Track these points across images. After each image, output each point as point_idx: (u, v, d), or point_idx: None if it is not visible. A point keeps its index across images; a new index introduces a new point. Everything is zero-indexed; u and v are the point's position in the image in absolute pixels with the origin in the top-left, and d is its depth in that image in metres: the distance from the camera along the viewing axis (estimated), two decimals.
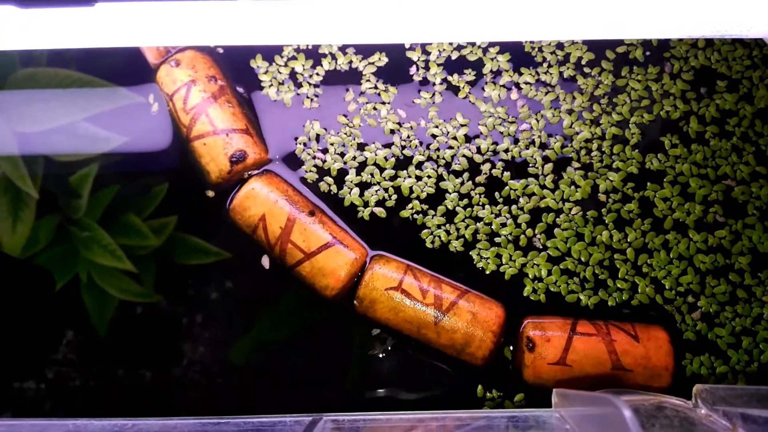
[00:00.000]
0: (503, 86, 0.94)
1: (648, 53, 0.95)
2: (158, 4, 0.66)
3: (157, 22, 0.69)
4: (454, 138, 0.93)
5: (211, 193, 0.92)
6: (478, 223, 0.91)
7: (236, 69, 0.94)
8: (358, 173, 0.92)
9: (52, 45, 0.70)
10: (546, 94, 0.94)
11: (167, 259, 0.91)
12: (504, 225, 0.91)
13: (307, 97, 0.94)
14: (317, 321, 0.90)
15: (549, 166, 0.92)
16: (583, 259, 0.90)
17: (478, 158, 0.92)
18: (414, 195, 0.92)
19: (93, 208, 0.92)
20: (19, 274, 0.91)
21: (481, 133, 0.93)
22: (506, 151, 0.93)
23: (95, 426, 0.66)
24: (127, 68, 0.94)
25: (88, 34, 0.70)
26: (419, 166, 0.92)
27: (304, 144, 0.93)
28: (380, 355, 0.89)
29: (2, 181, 0.92)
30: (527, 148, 0.93)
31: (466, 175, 0.92)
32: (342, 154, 0.93)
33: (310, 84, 0.94)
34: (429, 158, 0.93)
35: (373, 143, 0.93)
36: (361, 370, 0.89)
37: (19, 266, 0.91)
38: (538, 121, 0.93)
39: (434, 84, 0.94)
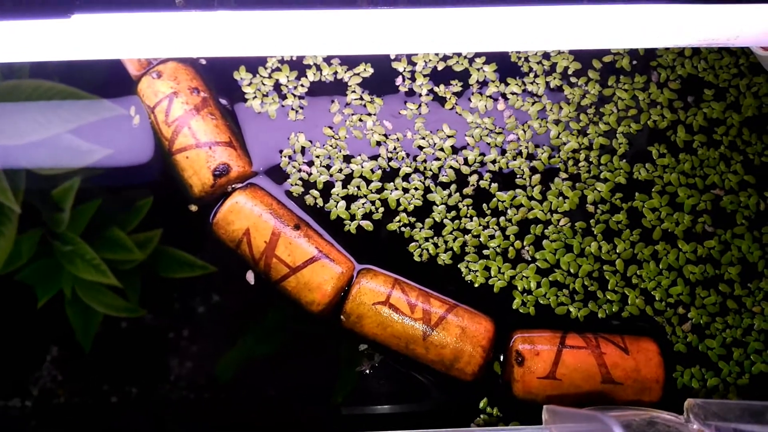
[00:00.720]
0: (490, 97, 0.93)
1: (635, 62, 0.95)
2: (137, 15, 0.65)
3: (137, 33, 0.68)
4: (441, 149, 0.92)
5: (194, 207, 0.90)
6: (466, 236, 0.90)
7: (219, 81, 0.93)
8: (344, 186, 0.91)
9: (30, 58, 0.69)
10: (533, 104, 0.93)
11: (152, 273, 0.89)
12: (492, 237, 0.90)
13: (292, 109, 0.92)
14: (303, 336, 0.88)
15: (536, 177, 0.91)
16: (572, 270, 0.89)
17: (465, 170, 0.91)
18: (401, 207, 0.91)
19: (76, 222, 0.90)
20: (1, 291, 0.89)
21: (468, 144, 0.92)
22: (494, 162, 0.92)
23: None
24: (108, 80, 0.93)
25: (65, 46, 0.69)
26: (406, 178, 0.91)
27: (289, 157, 0.92)
28: (367, 372, 0.87)
29: None
30: (514, 159, 0.92)
31: (453, 186, 0.91)
32: (328, 167, 0.91)
33: (294, 96, 0.93)
34: (416, 170, 0.91)
35: (359, 155, 0.92)
36: (347, 387, 0.87)
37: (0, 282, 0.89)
38: (525, 131, 0.92)
39: (420, 95, 0.93)
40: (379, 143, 0.92)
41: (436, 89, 0.94)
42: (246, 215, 0.87)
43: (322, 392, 0.87)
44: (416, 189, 0.91)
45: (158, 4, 0.63)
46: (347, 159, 0.92)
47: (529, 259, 0.90)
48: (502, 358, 0.87)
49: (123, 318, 0.89)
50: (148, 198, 0.91)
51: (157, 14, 0.65)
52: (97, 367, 0.88)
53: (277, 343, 0.88)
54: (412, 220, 0.90)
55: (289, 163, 0.91)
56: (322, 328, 0.88)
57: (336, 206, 0.90)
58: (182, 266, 0.90)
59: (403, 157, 0.92)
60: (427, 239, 0.90)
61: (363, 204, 0.91)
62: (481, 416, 0.85)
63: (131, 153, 0.92)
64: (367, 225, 0.90)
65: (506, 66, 0.94)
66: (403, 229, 0.90)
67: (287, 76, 0.93)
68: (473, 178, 0.91)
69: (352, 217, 0.90)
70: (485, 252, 0.90)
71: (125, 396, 0.87)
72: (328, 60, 0.94)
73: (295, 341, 0.89)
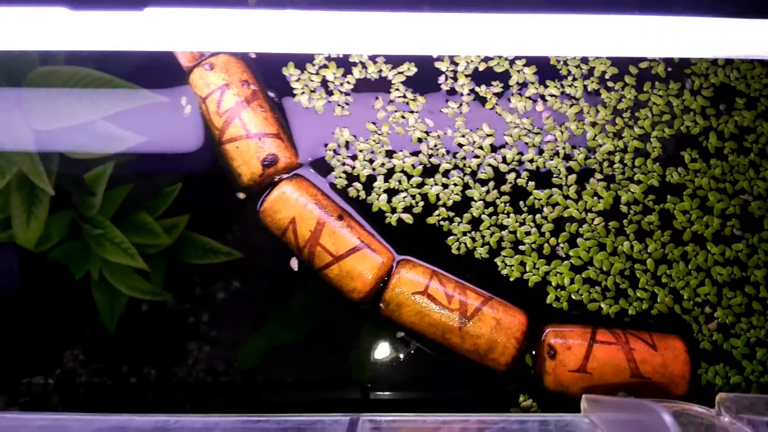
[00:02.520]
0: (529, 98, 0.96)
1: (669, 69, 0.98)
2: (200, 10, 0.68)
3: (199, 28, 0.71)
4: (480, 147, 0.95)
5: (241, 195, 0.93)
6: (502, 231, 0.93)
7: (268, 74, 0.96)
8: (386, 180, 0.94)
9: (99, 47, 0.72)
10: (570, 106, 0.96)
11: (176, 258, 0.92)
12: (528, 233, 0.93)
13: (338, 105, 0.96)
14: (332, 321, 0.91)
15: (572, 177, 0.94)
16: (604, 268, 0.92)
17: (503, 168, 0.95)
18: (440, 202, 0.94)
19: (107, 206, 0.93)
20: (31, 270, 0.92)
21: (507, 144, 0.95)
22: (531, 161, 0.95)
23: (138, 422, 0.68)
24: (157, 70, 0.95)
25: (131, 37, 0.71)
26: (446, 174, 0.94)
27: (334, 150, 0.95)
28: (401, 357, 0.90)
29: (17, 176, 0.93)
30: (551, 159, 0.95)
31: (491, 183, 0.94)
32: (371, 161, 0.94)
33: (341, 92, 0.96)
34: (455, 166, 0.95)
35: (401, 151, 0.95)
36: (373, 371, 0.90)
37: (31, 261, 0.92)
38: (562, 132, 0.95)
39: (462, 94, 0.96)
40: (420, 140, 0.95)
41: (477, 89, 0.97)
42: (292, 205, 0.90)
43: (346, 376, 0.90)
44: (455, 185, 0.94)
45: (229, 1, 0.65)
46: (389, 154, 0.95)
47: (564, 255, 0.93)
48: (534, 352, 0.90)
49: (146, 300, 0.91)
50: (176, 185, 0.93)
51: (218, 10, 0.68)
52: (120, 348, 0.91)
53: (302, 331, 0.91)
54: (451, 214, 0.94)
55: (333, 156, 0.95)
56: (349, 313, 0.91)
57: (378, 199, 0.94)
58: (206, 252, 0.92)
59: (443, 154, 0.95)
60: (465, 233, 0.93)
61: (404, 198, 0.94)
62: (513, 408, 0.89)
63: (167, 140, 0.94)
64: (408, 218, 0.93)
65: (545, 69, 0.97)
66: (442, 223, 0.93)
67: (334, 73, 0.96)
68: (511, 176, 0.94)
69: (393, 210, 0.93)
70: (521, 248, 0.93)
71: (146, 377, 0.90)
72: (373, 58, 0.97)
73: (323, 326, 0.91)
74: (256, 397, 0.90)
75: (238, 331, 0.91)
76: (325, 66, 0.96)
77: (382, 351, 0.91)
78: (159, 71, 0.95)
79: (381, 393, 0.90)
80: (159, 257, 0.92)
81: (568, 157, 0.95)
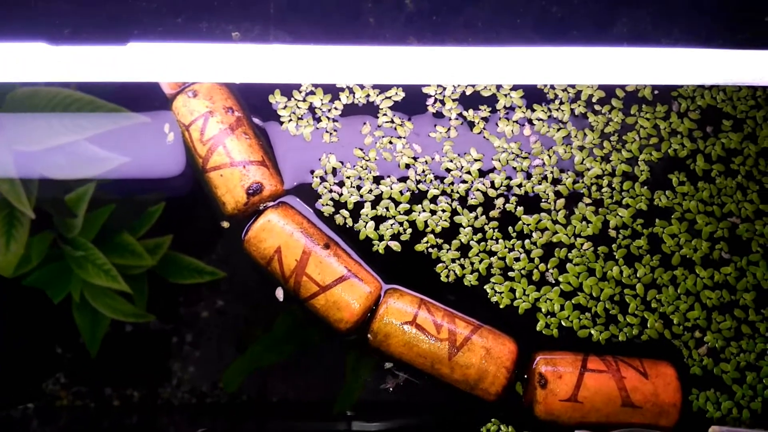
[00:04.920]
0: (516, 122, 0.96)
1: (656, 92, 0.97)
2: (184, 45, 0.67)
3: (181, 61, 0.69)
4: (469, 172, 0.94)
5: (225, 224, 0.91)
6: (491, 258, 0.92)
7: (251, 100, 0.94)
8: (373, 207, 0.93)
9: (79, 79, 0.70)
10: (558, 130, 0.96)
11: (160, 279, 0.91)
12: (517, 259, 0.92)
13: (326, 131, 0.94)
14: (312, 346, 0.90)
15: (561, 202, 0.94)
16: (594, 294, 0.92)
17: (492, 193, 0.94)
18: (429, 229, 0.93)
19: (88, 228, 0.91)
20: (10, 294, 0.90)
21: (495, 168, 0.94)
22: (519, 186, 0.94)
23: None
24: (140, 96, 0.94)
25: (111, 70, 0.70)
26: (434, 200, 0.93)
27: (321, 177, 0.93)
28: (390, 389, 0.89)
29: None
30: (540, 184, 0.94)
31: (480, 209, 0.93)
32: (358, 187, 0.93)
33: (328, 118, 0.95)
34: (443, 192, 0.94)
35: (389, 177, 0.94)
36: (352, 397, 0.89)
37: (8, 286, 0.90)
38: (550, 156, 0.95)
39: (449, 119, 0.95)
40: (408, 165, 0.94)
41: (464, 113, 0.96)
42: (278, 233, 0.88)
43: (328, 403, 0.89)
44: (443, 211, 0.93)
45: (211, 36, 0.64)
46: (377, 180, 0.93)
47: (553, 281, 0.92)
48: (525, 376, 0.89)
49: (128, 323, 0.90)
50: (159, 204, 0.92)
51: (202, 45, 0.66)
52: (102, 371, 0.89)
53: (286, 353, 0.90)
54: (440, 241, 0.92)
55: (320, 183, 0.93)
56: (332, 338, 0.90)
57: (365, 226, 0.92)
58: (191, 272, 0.91)
59: (431, 180, 0.94)
60: (453, 260, 0.92)
61: (391, 225, 0.92)
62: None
63: (149, 161, 0.93)
64: (395, 245, 0.92)
65: (532, 93, 0.96)
66: (430, 250, 0.92)
67: (321, 100, 0.95)
68: (499, 202, 0.93)
69: (381, 238, 0.92)
70: (510, 274, 0.92)
71: (128, 400, 0.89)
72: (360, 84, 0.95)
73: (304, 352, 0.90)
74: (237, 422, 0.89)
75: (223, 352, 0.90)
76: (312, 93, 0.95)
77: (353, 375, 0.89)
78: (140, 97, 0.93)
79: (365, 422, 0.89)
80: (142, 278, 0.90)
81: (556, 182, 0.94)
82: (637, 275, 0.92)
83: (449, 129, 0.95)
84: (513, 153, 0.95)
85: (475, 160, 0.95)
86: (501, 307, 0.91)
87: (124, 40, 0.62)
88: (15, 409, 0.88)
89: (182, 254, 0.91)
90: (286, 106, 0.94)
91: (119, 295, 0.90)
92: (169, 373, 0.90)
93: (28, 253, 0.90)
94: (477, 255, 0.92)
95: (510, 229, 0.93)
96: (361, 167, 0.94)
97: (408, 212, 0.93)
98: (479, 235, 0.93)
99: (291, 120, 0.94)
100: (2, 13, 0.72)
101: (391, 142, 0.94)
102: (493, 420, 0.89)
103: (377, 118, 0.95)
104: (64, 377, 0.89)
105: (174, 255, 0.91)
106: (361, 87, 0.95)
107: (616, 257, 0.93)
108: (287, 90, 0.95)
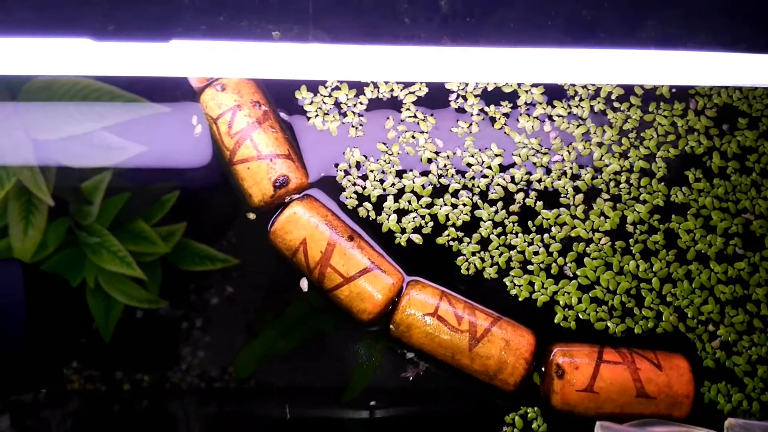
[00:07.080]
0: (537, 118, 0.97)
1: (674, 90, 0.99)
2: (219, 42, 0.68)
3: (214, 57, 0.71)
4: (489, 167, 0.96)
5: (252, 216, 0.93)
6: (511, 251, 0.94)
7: (277, 93, 0.96)
8: (396, 200, 0.95)
9: (122, 73, 0.71)
10: (577, 126, 0.97)
11: (172, 265, 0.92)
12: (536, 253, 0.94)
13: (353, 126, 0.96)
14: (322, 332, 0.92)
15: (580, 197, 0.96)
16: (611, 287, 0.94)
17: (512, 187, 0.95)
18: (450, 222, 0.95)
19: (104, 215, 0.93)
20: (28, 279, 0.91)
21: (515, 163, 0.96)
22: (539, 181, 0.96)
23: None
24: (166, 88, 0.95)
25: (150, 65, 0.71)
26: (455, 194, 0.95)
27: (345, 171, 0.95)
28: (410, 378, 0.92)
29: (15, 186, 0.92)
30: (559, 179, 0.96)
31: (500, 203, 0.95)
32: (381, 181, 0.95)
33: (354, 113, 0.96)
34: (464, 187, 0.95)
35: (411, 171, 0.95)
36: (362, 384, 0.91)
37: (27, 271, 0.91)
38: (569, 152, 0.97)
39: (471, 114, 0.97)
40: (430, 160, 0.96)
41: (486, 109, 0.97)
42: (303, 225, 0.90)
43: (337, 390, 0.91)
44: (464, 205, 0.95)
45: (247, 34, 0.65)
46: (399, 174, 0.95)
47: (571, 275, 0.94)
48: (543, 369, 0.91)
49: (140, 309, 0.92)
50: (173, 192, 0.93)
51: (237, 42, 0.68)
52: (115, 356, 0.91)
53: (297, 340, 0.92)
54: (460, 234, 0.94)
55: (344, 176, 0.95)
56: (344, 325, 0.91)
57: (388, 219, 0.94)
58: (203, 259, 0.93)
59: (452, 174, 0.96)
60: (474, 254, 0.94)
61: (413, 218, 0.94)
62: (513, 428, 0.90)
63: (168, 150, 0.94)
64: (417, 238, 0.94)
65: (553, 89, 0.98)
66: (451, 243, 0.94)
67: (346, 95, 0.96)
68: (519, 196, 0.95)
69: (403, 231, 0.94)
70: (529, 267, 0.94)
71: (137, 384, 0.91)
72: (385, 79, 0.97)
73: (316, 336, 0.92)
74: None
75: (234, 338, 0.91)
76: (337, 88, 0.97)
77: (384, 366, 0.92)
78: (166, 89, 0.95)
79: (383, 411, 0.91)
80: (155, 265, 0.92)
81: (575, 177, 0.96)
82: (653, 269, 0.94)
83: (471, 124, 0.97)
84: (533, 149, 0.97)
85: (496, 155, 0.96)
86: (520, 299, 0.93)
87: (167, 38, 0.63)
88: (27, 393, 0.90)
89: (195, 241, 0.92)
90: (312, 102, 0.96)
91: (133, 281, 0.92)
92: (179, 358, 0.91)
93: (44, 239, 0.92)
94: (497, 248, 0.94)
95: (530, 223, 0.95)
96: (384, 161, 0.95)
97: (430, 206, 0.95)
98: (499, 229, 0.95)
99: (317, 115, 0.96)
100: (50, 11, 0.73)
101: (413, 137, 0.96)
102: (522, 408, 0.91)
103: (400, 113, 0.96)
104: (77, 362, 0.91)
105: (187, 242, 0.93)
106: (386, 82, 0.97)
107: (633, 252, 0.95)
108: (313, 86, 0.96)
